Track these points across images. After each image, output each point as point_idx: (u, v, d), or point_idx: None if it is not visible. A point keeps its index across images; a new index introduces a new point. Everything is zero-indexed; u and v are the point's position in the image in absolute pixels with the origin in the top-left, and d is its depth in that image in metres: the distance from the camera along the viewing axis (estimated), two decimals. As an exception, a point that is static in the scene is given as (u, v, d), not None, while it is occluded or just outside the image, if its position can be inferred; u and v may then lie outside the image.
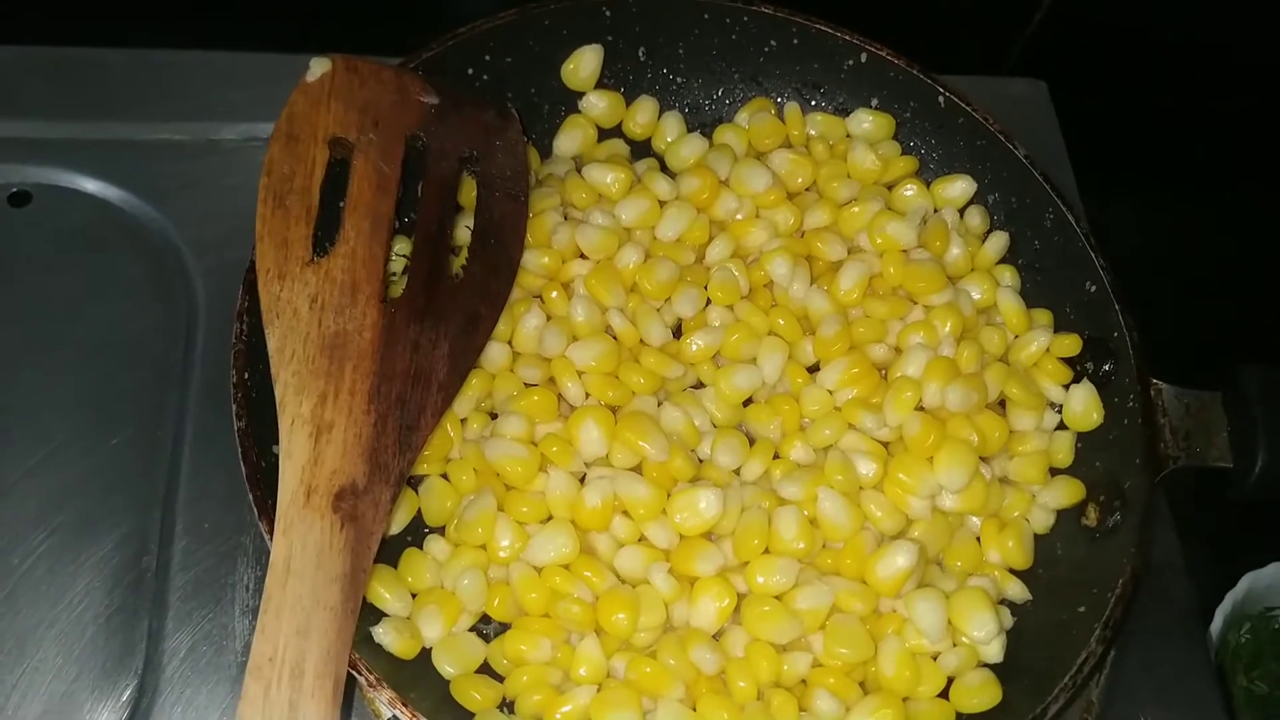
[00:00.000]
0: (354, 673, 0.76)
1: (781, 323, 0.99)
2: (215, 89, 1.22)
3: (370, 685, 0.76)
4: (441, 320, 0.89)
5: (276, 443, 0.81)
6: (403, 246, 0.96)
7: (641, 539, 0.90)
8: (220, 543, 1.00)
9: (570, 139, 1.10)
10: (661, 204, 1.03)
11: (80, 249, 1.13)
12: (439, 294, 0.90)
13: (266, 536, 0.78)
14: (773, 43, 1.11)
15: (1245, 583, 1.29)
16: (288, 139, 0.90)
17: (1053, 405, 1.00)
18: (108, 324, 1.09)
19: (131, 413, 1.05)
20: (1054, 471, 0.98)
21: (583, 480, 0.91)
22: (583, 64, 1.09)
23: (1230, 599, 1.29)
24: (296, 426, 0.80)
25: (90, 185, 1.16)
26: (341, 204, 0.90)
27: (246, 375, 0.85)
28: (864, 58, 1.09)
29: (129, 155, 1.17)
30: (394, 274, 0.94)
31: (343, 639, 0.75)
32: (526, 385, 0.95)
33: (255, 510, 0.80)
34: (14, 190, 1.15)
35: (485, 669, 0.87)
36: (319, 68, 0.93)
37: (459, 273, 0.94)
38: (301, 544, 0.76)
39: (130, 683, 0.94)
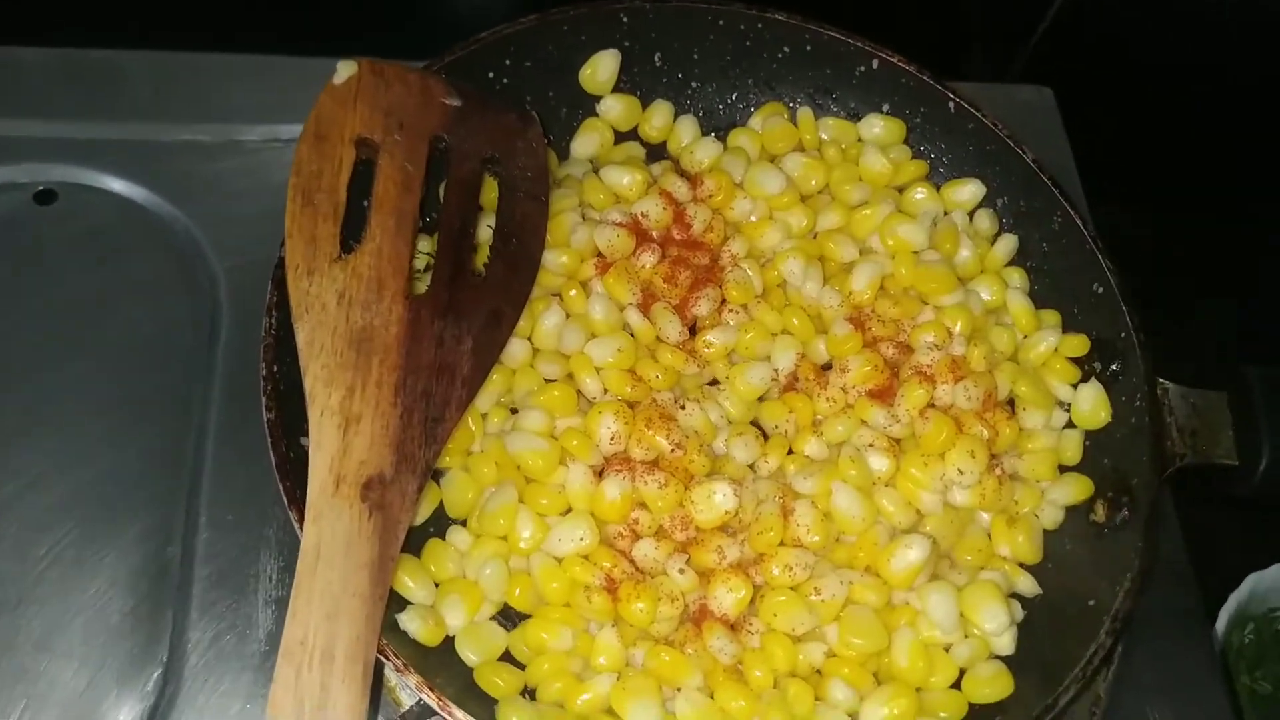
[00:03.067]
0: (382, 658, 0.78)
1: (795, 321, 1.01)
2: (238, 91, 1.25)
3: (398, 670, 0.78)
4: (465, 316, 0.91)
5: (303, 435, 0.83)
6: (426, 245, 0.98)
7: (659, 531, 0.92)
8: (243, 535, 1.02)
9: (587, 141, 1.12)
10: (678, 205, 1.05)
11: (105, 247, 1.15)
12: (463, 291, 0.92)
13: (296, 525, 0.80)
14: (786, 49, 1.13)
15: (1249, 584, 1.30)
16: (316, 139, 0.92)
17: (1061, 404, 1.02)
18: (132, 321, 1.11)
19: (155, 408, 1.07)
20: (1063, 469, 1.00)
21: (601, 474, 0.92)
22: (600, 68, 1.12)
23: (1234, 600, 1.30)
24: (326, 418, 0.82)
25: (115, 184, 1.18)
26: (367, 203, 0.92)
27: (275, 368, 0.87)
28: (875, 64, 1.11)
29: (153, 155, 1.20)
30: (418, 271, 0.96)
31: (371, 624, 0.77)
32: (546, 381, 0.97)
33: (285, 499, 0.81)
34: (40, 189, 1.17)
35: (507, 657, 0.88)
36: (345, 71, 0.95)
37: (481, 271, 0.96)
38: (331, 532, 0.78)
39: (155, 672, 0.96)
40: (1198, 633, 1.11)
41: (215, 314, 1.12)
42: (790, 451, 0.97)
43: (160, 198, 1.18)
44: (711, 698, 0.86)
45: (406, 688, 0.94)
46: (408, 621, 0.84)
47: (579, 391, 0.96)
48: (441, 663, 0.85)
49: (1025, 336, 1.04)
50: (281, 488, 0.82)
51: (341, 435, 0.82)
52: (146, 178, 1.18)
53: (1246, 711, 1.26)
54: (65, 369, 1.08)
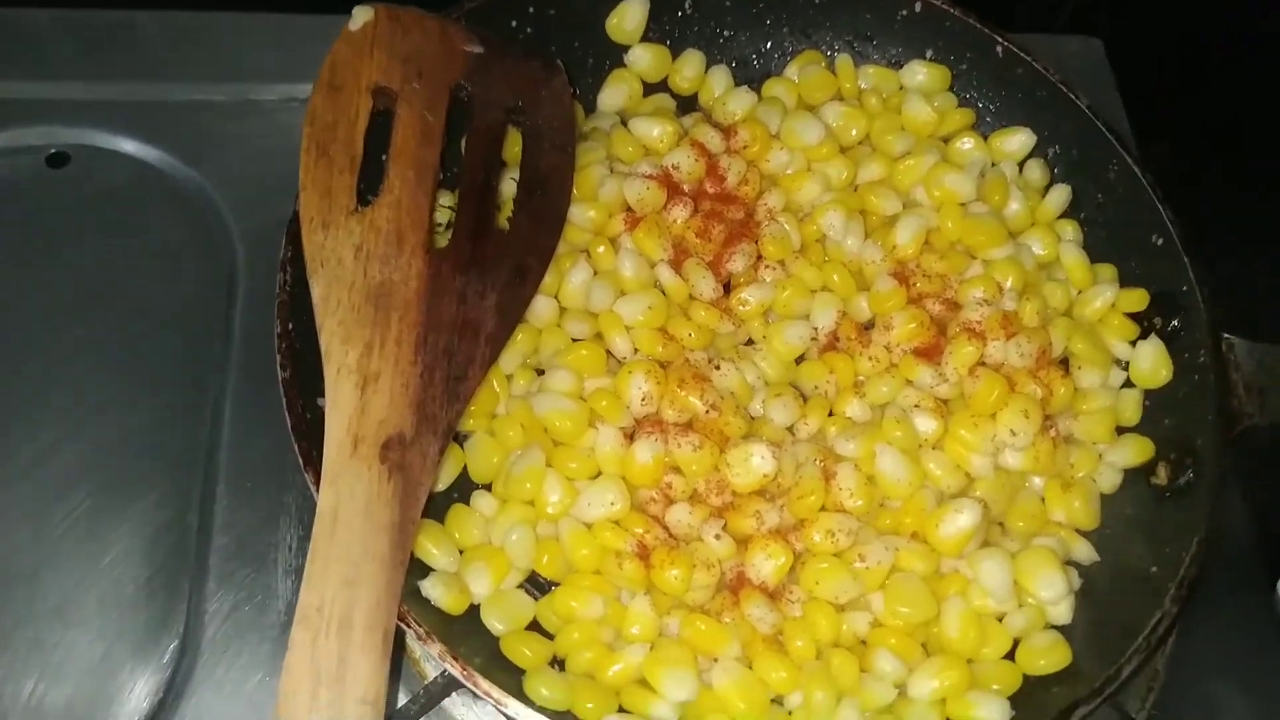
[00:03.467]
0: (403, 626, 0.74)
1: (835, 278, 0.97)
2: (253, 50, 1.21)
3: (420, 638, 0.74)
4: (488, 271, 0.87)
5: (321, 395, 0.80)
6: (447, 200, 0.94)
7: (694, 496, 0.87)
8: (262, 502, 0.98)
9: (615, 93, 1.07)
10: (710, 157, 1.00)
11: (118, 210, 1.12)
12: (486, 245, 0.88)
13: (313, 487, 0.76)
14: (824, -8, 1.08)
15: (1309, 554, 1.25)
16: (330, 88, 0.88)
17: (1119, 362, 0.97)
18: (146, 284, 1.08)
19: (171, 372, 1.04)
20: (1121, 430, 0.95)
21: (632, 436, 0.88)
22: (627, 17, 1.07)
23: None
24: (342, 376, 0.78)
25: (128, 146, 1.15)
26: (385, 155, 0.88)
27: (290, 326, 0.83)
28: (918, 7, 1.06)
29: (167, 116, 1.16)
30: (439, 226, 0.92)
31: (391, 590, 0.73)
32: (574, 340, 0.93)
33: (301, 460, 0.78)
34: (52, 151, 1.14)
35: (535, 627, 0.84)
36: (362, 16, 0.91)
37: (505, 225, 0.91)
38: (349, 494, 0.74)
39: (171, 643, 0.93)
40: (1260, 604, 1.06)
41: (232, 277, 1.09)
42: (830, 413, 0.93)
43: (175, 159, 1.15)
44: (750, 668, 0.81)
45: (431, 659, 0.91)
46: (430, 589, 0.81)
47: (608, 351, 0.92)
48: (466, 632, 0.81)
49: (1080, 291, 0.99)
50: (297, 448, 0.78)
51: (359, 394, 0.78)
52: (161, 139, 1.15)
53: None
54: (79, 334, 1.05)
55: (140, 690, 0.91)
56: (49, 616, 0.93)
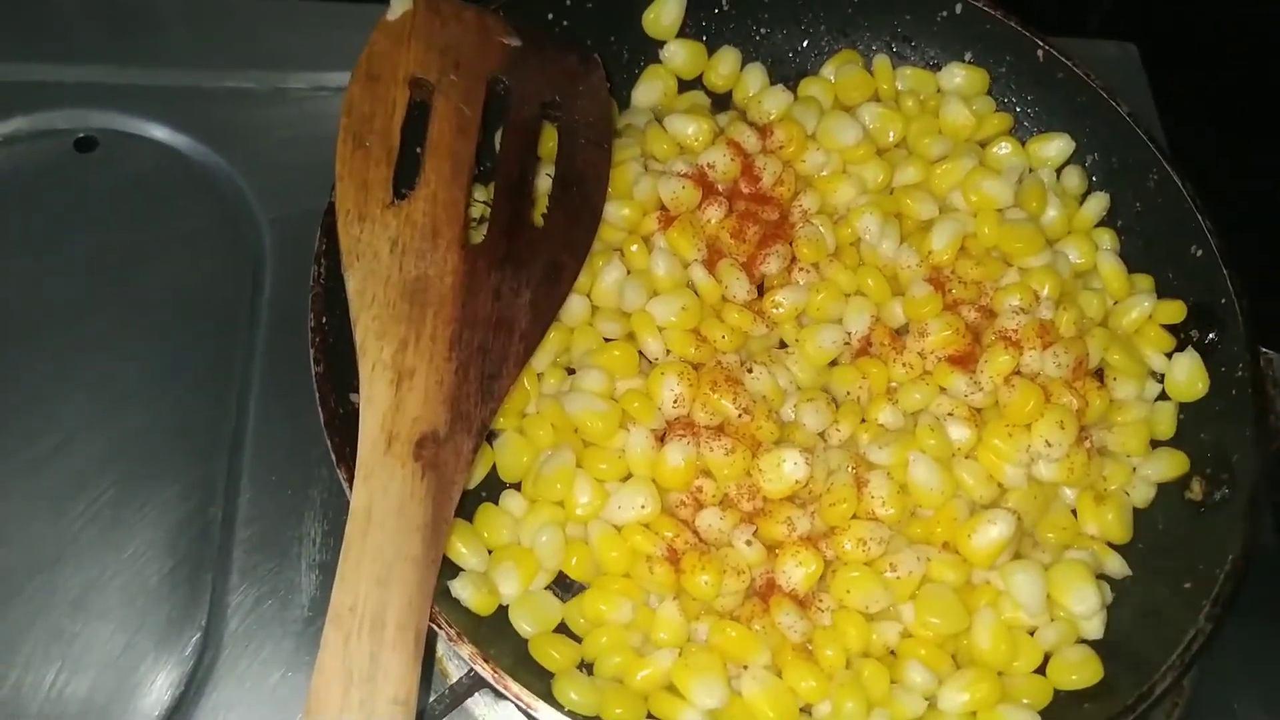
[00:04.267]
0: (434, 626, 0.74)
1: (870, 282, 0.95)
2: (285, 36, 1.20)
3: (451, 639, 0.74)
4: (523, 267, 0.86)
5: (352, 391, 0.79)
6: (482, 194, 0.93)
7: (725, 501, 0.87)
8: (287, 495, 0.98)
9: (650, 90, 1.06)
10: (746, 156, 0.99)
11: (146, 195, 1.11)
12: (521, 241, 0.87)
13: (345, 485, 0.75)
14: (862, -8, 1.07)
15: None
16: (368, 79, 0.87)
17: (1155, 374, 0.96)
18: (173, 271, 1.07)
19: (197, 361, 1.03)
20: (1156, 443, 0.94)
21: (663, 438, 0.87)
22: (664, 12, 1.06)
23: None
24: (378, 372, 0.77)
25: (157, 132, 1.14)
26: (420, 148, 0.87)
27: (324, 320, 0.82)
28: (959, 9, 1.05)
29: (197, 102, 1.15)
30: (473, 221, 0.91)
31: (424, 590, 0.72)
32: (606, 340, 0.92)
33: (334, 457, 0.77)
34: (80, 135, 1.13)
35: (563, 629, 0.84)
36: (400, 6, 0.90)
37: (540, 221, 0.90)
38: (383, 492, 0.73)
39: (194, 636, 0.92)
40: (1286, 619, 1.05)
41: (259, 266, 1.08)
42: (863, 420, 0.92)
43: (204, 146, 1.14)
44: (780, 676, 0.81)
45: (455, 659, 0.90)
46: (460, 589, 0.80)
47: (640, 352, 0.91)
48: (494, 633, 0.81)
49: (1116, 302, 0.98)
50: (330, 444, 0.77)
51: (394, 391, 0.77)
52: (190, 125, 1.14)
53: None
54: (104, 321, 1.04)
55: (162, 683, 0.90)
56: (70, 607, 0.92)
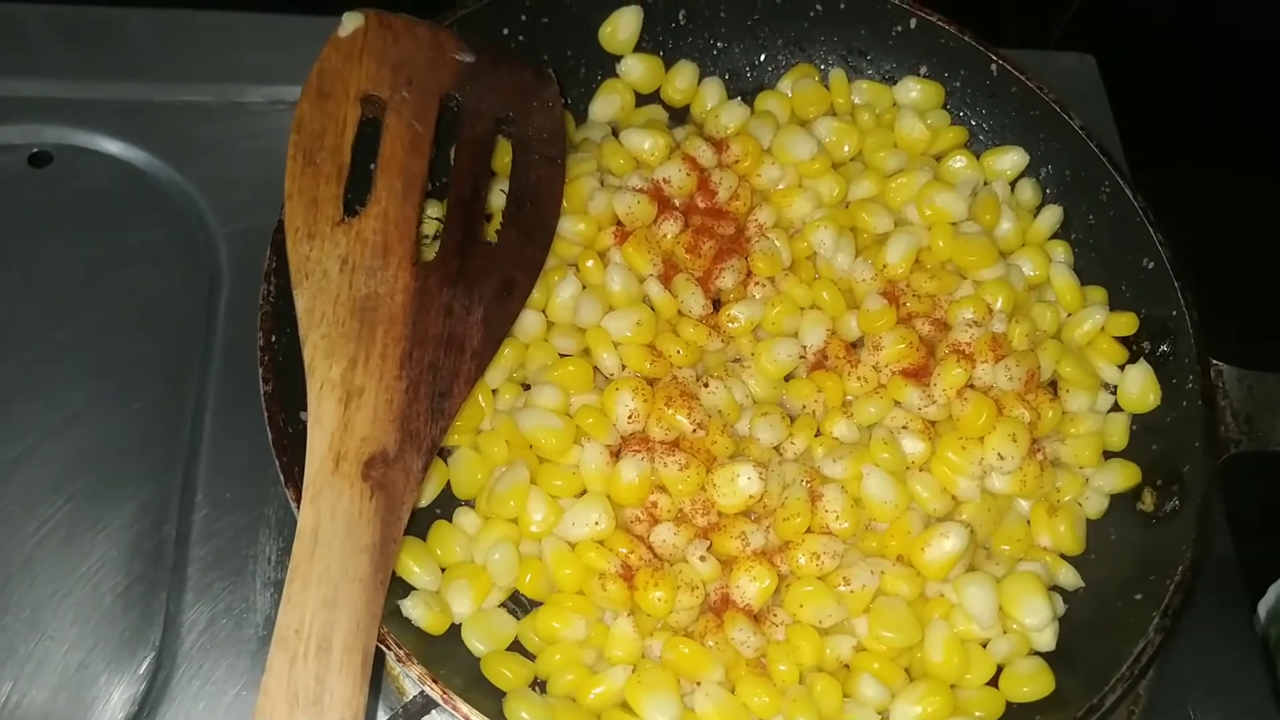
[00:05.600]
0: (383, 647, 0.73)
1: (825, 296, 0.96)
2: (240, 51, 1.20)
3: (399, 660, 0.73)
4: (476, 285, 0.86)
5: (303, 409, 0.78)
6: (435, 210, 0.93)
7: (679, 516, 0.87)
8: (242, 513, 0.97)
9: (607, 104, 1.06)
10: (702, 171, 0.99)
11: (101, 211, 1.10)
12: (473, 258, 0.87)
13: (293, 504, 0.75)
14: (818, 7, 1.07)
15: (1288, 576, 1.25)
16: (319, 95, 0.86)
17: (1107, 386, 0.97)
18: (128, 287, 1.07)
19: (152, 378, 1.03)
20: (1108, 455, 0.95)
21: (618, 454, 0.87)
22: (621, 26, 1.06)
23: (1274, 592, 1.25)
24: (326, 391, 0.77)
25: (112, 146, 1.13)
26: (373, 165, 0.86)
27: (274, 338, 0.82)
28: (913, 23, 1.05)
29: (152, 116, 1.15)
30: (426, 238, 0.91)
31: (371, 612, 0.72)
32: (561, 355, 0.92)
33: (282, 477, 0.77)
34: (35, 151, 1.12)
35: (516, 647, 0.84)
36: (352, 22, 0.89)
37: (494, 237, 0.90)
38: (330, 512, 0.73)
39: (148, 655, 0.92)
40: (1240, 625, 1.06)
41: (215, 282, 1.07)
42: (818, 433, 0.92)
43: (159, 161, 1.13)
44: (733, 692, 0.81)
45: (410, 677, 0.90)
46: (411, 608, 0.80)
47: (595, 367, 0.91)
48: (446, 652, 0.80)
49: (1069, 314, 0.99)
50: (278, 464, 0.77)
51: (342, 410, 0.77)
52: (145, 140, 1.14)
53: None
54: (58, 337, 1.03)
55: (116, 701, 0.90)
56: (23, 625, 0.91)
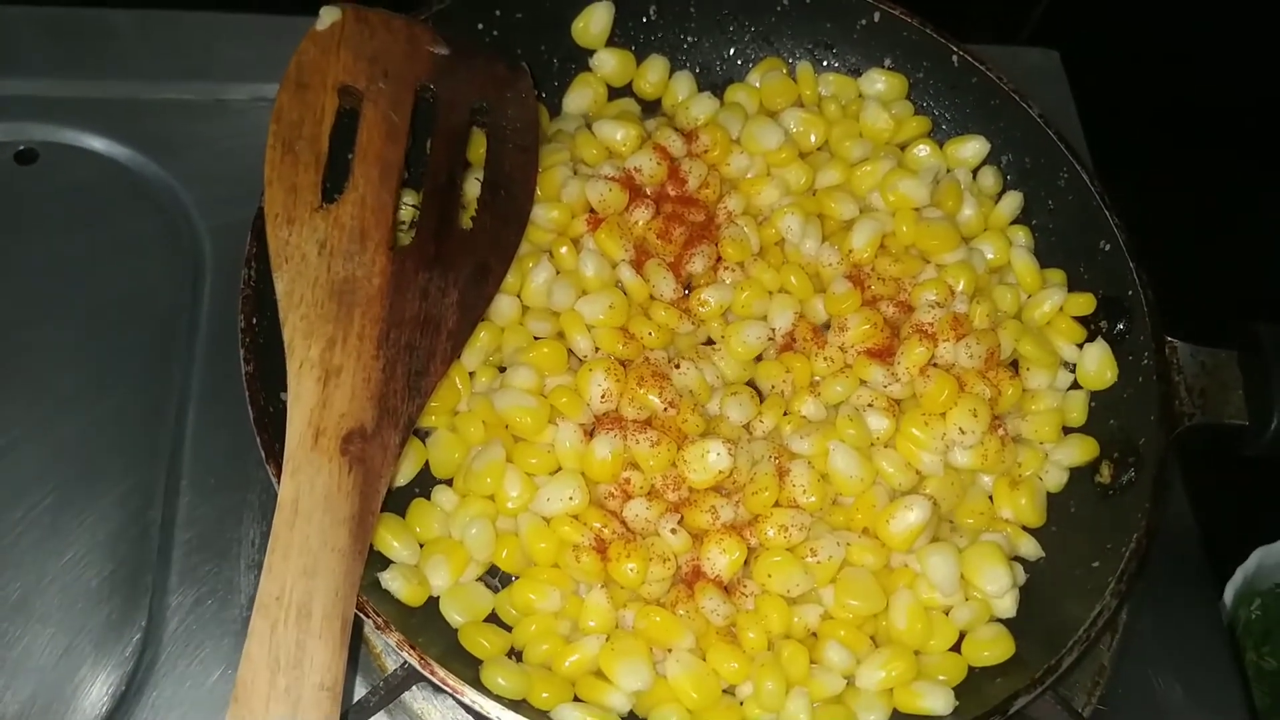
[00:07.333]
0: (362, 615, 0.76)
1: (793, 280, 0.99)
2: (223, 49, 1.22)
3: (378, 628, 0.75)
4: (451, 268, 0.88)
5: (284, 390, 0.81)
6: (412, 199, 0.95)
7: (651, 492, 0.89)
8: (225, 498, 0.99)
9: (580, 97, 1.09)
10: (672, 160, 1.02)
11: (86, 207, 1.12)
12: (449, 243, 0.89)
13: (274, 479, 0.77)
14: (785, 2, 1.10)
15: (1255, 558, 1.28)
16: (297, 86, 0.89)
17: (1066, 364, 1.00)
18: (113, 281, 1.09)
19: (136, 369, 1.05)
20: (1067, 430, 0.97)
21: (592, 433, 0.90)
22: (593, 21, 1.09)
23: (1241, 574, 1.28)
24: (305, 370, 0.79)
25: (97, 144, 1.15)
26: (350, 153, 0.89)
27: (255, 321, 0.84)
28: (877, 17, 1.08)
29: (136, 114, 1.17)
30: (403, 224, 0.93)
31: (350, 581, 0.74)
32: (536, 338, 0.94)
33: (263, 452, 0.79)
34: (20, 148, 1.14)
35: (493, 619, 0.86)
36: (329, 17, 0.92)
37: (469, 224, 0.93)
38: (309, 486, 0.75)
39: (134, 638, 0.94)
40: (1205, 603, 1.09)
41: (199, 275, 1.10)
42: (786, 412, 0.94)
43: (144, 157, 1.15)
44: (704, 659, 0.83)
45: (391, 651, 0.92)
46: (390, 580, 0.82)
47: (569, 349, 0.94)
48: (425, 623, 0.82)
49: (1029, 295, 1.01)
50: (259, 440, 0.79)
51: (321, 388, 0.79)
52: (130, 137, 1.16)
53: (1254, 687, 1.23)
54: (44, 330, 1.05)
55: (102, 685, 0.91)
56: (10, 612, 0.93)
